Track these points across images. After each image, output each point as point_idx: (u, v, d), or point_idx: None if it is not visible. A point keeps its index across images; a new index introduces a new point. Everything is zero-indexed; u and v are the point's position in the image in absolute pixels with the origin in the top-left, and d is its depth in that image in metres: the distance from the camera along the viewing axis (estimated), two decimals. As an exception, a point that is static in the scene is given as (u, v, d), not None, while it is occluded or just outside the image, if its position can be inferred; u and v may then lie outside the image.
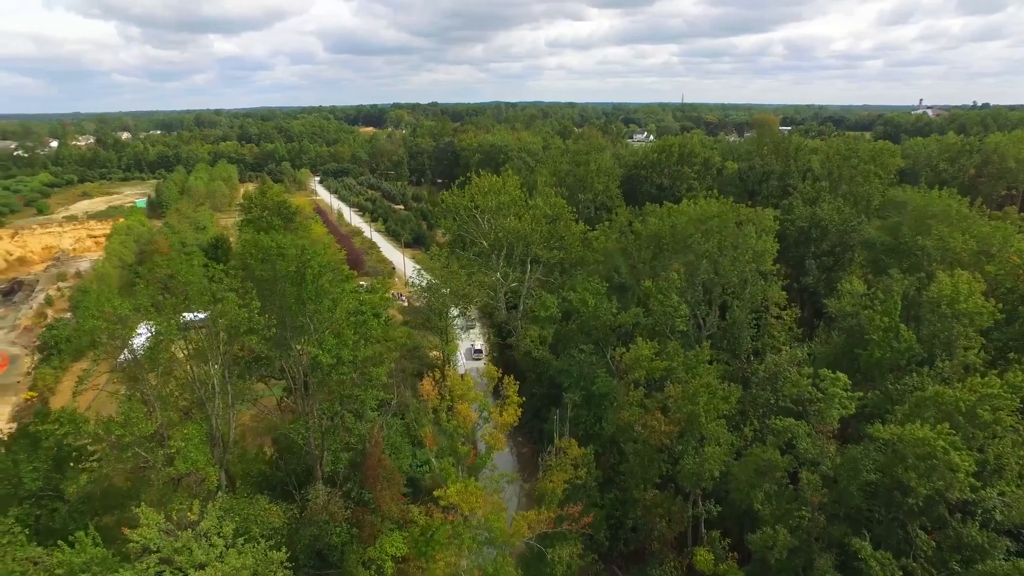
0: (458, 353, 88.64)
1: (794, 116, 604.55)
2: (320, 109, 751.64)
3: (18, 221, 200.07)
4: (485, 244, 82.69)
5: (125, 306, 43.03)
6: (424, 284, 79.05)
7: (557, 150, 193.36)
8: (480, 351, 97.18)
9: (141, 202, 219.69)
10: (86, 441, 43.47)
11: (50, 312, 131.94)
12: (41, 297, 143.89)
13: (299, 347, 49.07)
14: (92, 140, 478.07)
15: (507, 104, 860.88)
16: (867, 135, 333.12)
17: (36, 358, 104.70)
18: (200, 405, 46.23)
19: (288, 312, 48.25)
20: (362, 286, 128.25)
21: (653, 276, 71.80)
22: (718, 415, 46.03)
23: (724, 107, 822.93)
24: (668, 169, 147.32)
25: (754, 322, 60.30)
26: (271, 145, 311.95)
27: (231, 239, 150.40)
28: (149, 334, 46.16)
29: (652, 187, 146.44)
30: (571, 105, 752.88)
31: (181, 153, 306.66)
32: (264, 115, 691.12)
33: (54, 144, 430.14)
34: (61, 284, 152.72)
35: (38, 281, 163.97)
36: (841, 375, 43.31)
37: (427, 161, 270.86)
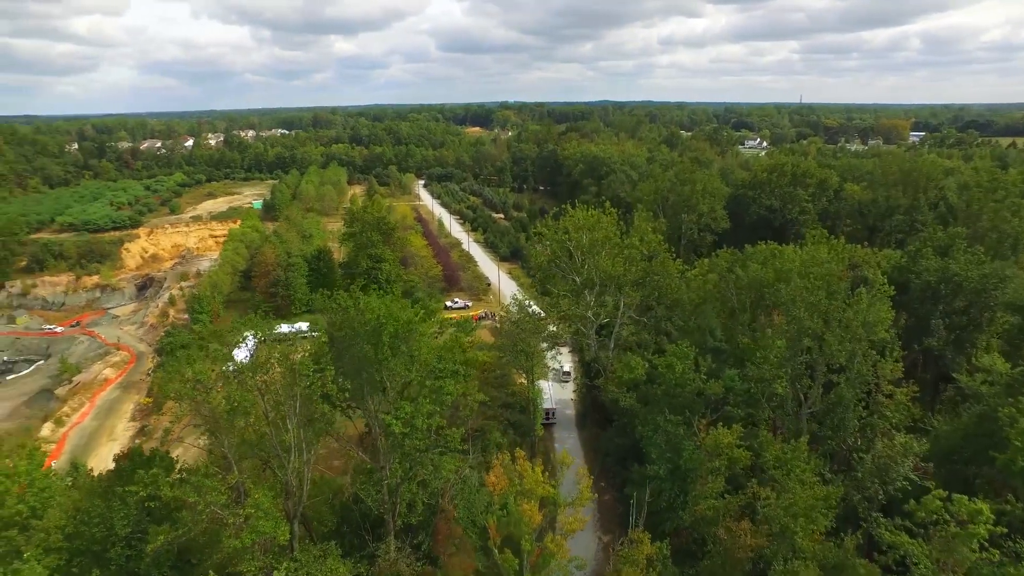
0: (546, 382, 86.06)
1: (929, 119, 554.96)
2: (430, 108, 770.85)
3: (154, 220, 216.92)
4: (577, 280, 79.59)
5: (205, 372, 43.41)
6: (513, 320, 77.20)
7: (660, 165, 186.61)
8: (569, 373, 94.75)
9: (258, 203, 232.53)
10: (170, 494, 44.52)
11: (172, 312, 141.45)
12: (166, 296, 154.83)
13: (374, 406, 48.70)
14: (222, 138, 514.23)
15: (615, 104, 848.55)
16: (1021, 142, 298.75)
17: (154, 360, 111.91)
18: (276, 456, 46.49)
19: (365, 367, 48.02)
20: (456, 302, 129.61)
21: (752, 329, 66.33)
22: (816, 531, 40.96)
23: (847, 108, 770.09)
24: (779, 190, 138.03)
25: (863, 400, 53.62)
26: (379, 148, 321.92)
27: (333, 250, 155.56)
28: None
29: (761, 208, 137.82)
30: (680, 107, 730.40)
31: (297, 154, 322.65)
32: (376, 114, 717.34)
33: (189, 143, 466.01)
34: (183, 284, 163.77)
35: (166, 278, 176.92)
36: (983, 506, 36.41)
37: (530, 167, 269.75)
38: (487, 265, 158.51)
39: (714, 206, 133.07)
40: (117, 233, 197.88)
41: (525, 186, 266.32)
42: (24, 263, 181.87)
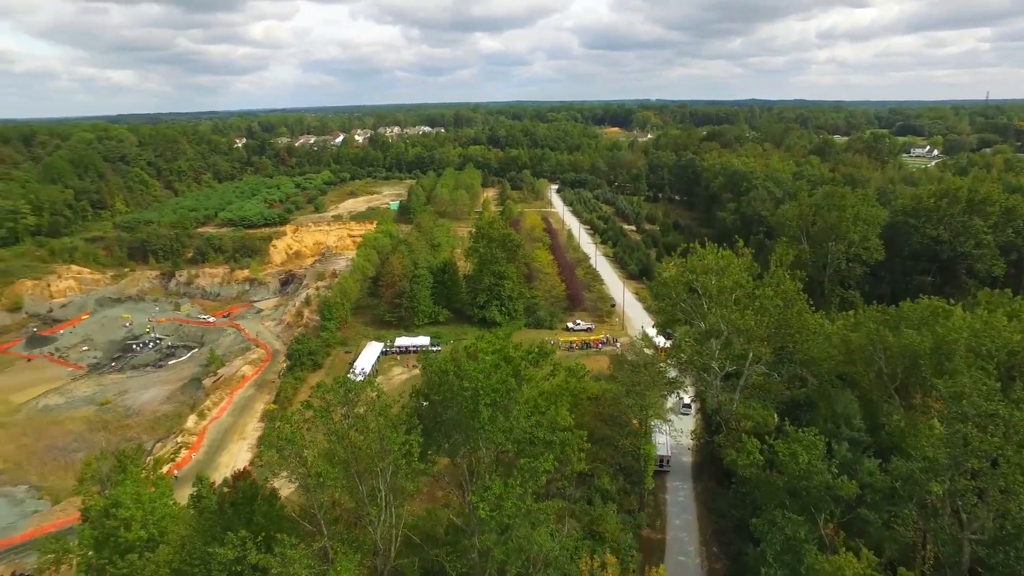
0: (662, 424, 79.54)
1: None
2: (569, 107, 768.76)
3: (300, 218, 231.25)
4: (702, 326, 72.48)
5: (298, 434, 42.35)
6: (631, 367, 71.81)
7: (808, 181, 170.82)
8: (689, 406, 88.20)
9: (394, 204, 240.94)
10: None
11: (306, 312, 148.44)
12: (303, 296, 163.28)
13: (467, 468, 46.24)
14: (369, 135, 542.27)
15: (762, 104, 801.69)
16: None
17: (285, 363, 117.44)
18: (367, 514, 45.03)
19: (460, 431, 45.84)
20: (578, 323, 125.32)
21: (903, 406, 56.66)
22: None
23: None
24: (950, 219, 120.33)
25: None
26: (515, 151, 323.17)
27: (459, 259, 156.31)
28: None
29: (924, 239, 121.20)
30: (837, 108, 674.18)
31: (435, 155, 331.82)
32: (516, 111, 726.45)
33: (340, 139, 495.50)
34: (319, 284, 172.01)
35: (305, 276, 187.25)
36: None
37: (667, 176, 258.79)
38: (613, 283, 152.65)
39: (867, 234, 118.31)
40: (267, 230, 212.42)
41: (660, 195, 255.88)
42: (190, 255, 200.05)
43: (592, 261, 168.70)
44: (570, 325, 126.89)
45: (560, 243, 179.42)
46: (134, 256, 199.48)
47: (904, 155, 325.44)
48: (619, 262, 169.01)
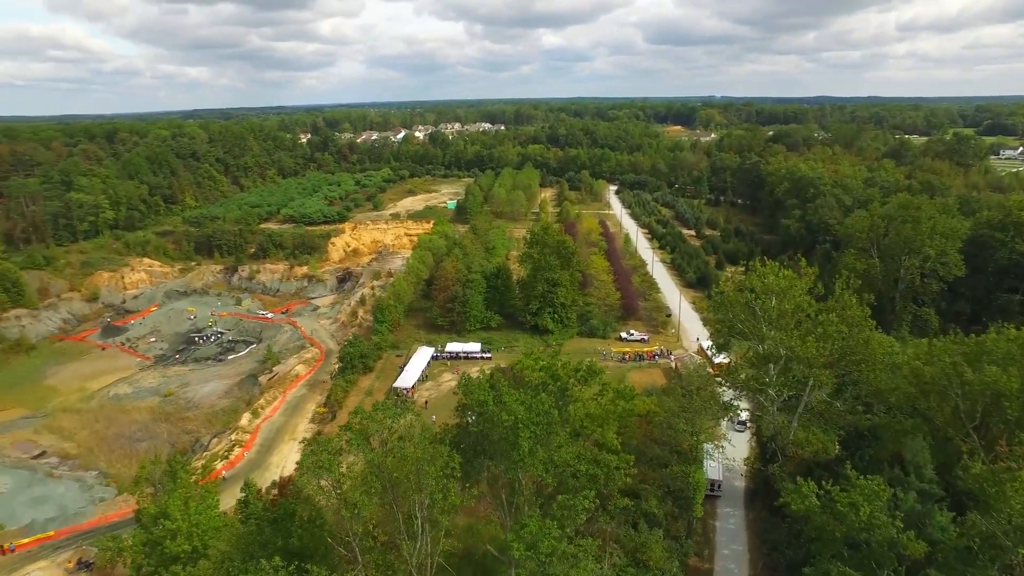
0: (713, 447, 75.88)
1: None
2: (631, 104, 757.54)
3: (359, 215, 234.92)
4: (760, 349, 68.64)
5: (333, 467, 41.63)
6: (683, 391, 68.87)
7: (880, 189, 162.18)
8: (744, 423, 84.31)
9: (451, 203, 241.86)
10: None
11: (360, 312, 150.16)
12: (358, 295, 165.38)
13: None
14: (430, 131, 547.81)
15: (834, 102, 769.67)
16: None
17: (337, 365, 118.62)
18: (403, 541, 44.12)
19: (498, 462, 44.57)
20: (632, 334, 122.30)
21: (986, 451, 51.82)
22: None
23: None
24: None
25: None
26: (574, 151, 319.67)
27: (513, 261, 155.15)
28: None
29: (1013, 255, 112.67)
30: (915, 106, 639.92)
31: (494, 153, 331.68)
32: (577, 108, 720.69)
33: (401, 135, 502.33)
34: (375, 283, 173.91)
35: (362, 274, 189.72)
36: None
37: (729, 179, 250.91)
38: (670, 291, 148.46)
39: (946, 249, 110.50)
40: (326, 227, 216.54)
41: (722, 199, 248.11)
42: (253, 250, 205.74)
43: (649, 267, 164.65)
44: (623, 335, 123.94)
45: (616, 248, 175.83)
46: (200, 250, 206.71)
47: (992, 157, 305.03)
48: (677, 269, 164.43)
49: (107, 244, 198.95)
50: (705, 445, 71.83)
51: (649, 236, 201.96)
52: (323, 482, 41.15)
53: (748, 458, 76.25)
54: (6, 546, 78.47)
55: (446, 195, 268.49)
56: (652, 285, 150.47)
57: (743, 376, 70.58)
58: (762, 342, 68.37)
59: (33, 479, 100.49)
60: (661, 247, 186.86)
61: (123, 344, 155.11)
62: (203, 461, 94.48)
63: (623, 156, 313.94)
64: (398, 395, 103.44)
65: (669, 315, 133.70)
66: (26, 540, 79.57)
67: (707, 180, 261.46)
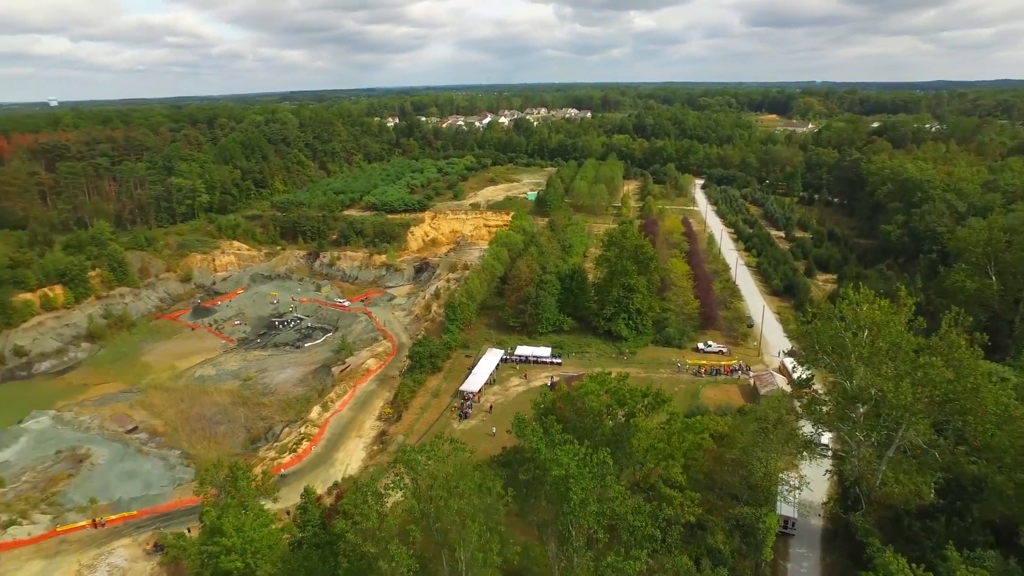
0: (789, 476, 70.29)
1: None
2: (724, 91, 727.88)
3: (439, 204, 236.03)
4: (847, 386, 62.40)
5: (372, 514, 40.28)
6: (761, 425, 63.76)
7: (1003, 195, 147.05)
8: (827, 447, 77.95)
9: (532, 195, 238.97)
10: None
11: (434, 306, 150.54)
12: (432, 288, 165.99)
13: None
14: (515, 116, 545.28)
15: (953, 87, 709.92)
16: None
17: (407, 362, 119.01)
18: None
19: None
20: (710, 345, 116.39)
21: None
22: None
23: None
24: None
25: None
26: (661, 142, 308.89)
27: (589, 260, 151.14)
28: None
29: None
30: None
31: (578, 143, 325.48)
32: (667, 95, 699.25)
33: (487, 120, 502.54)
34: (450, 275, 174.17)
35: (439, 265, 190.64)
36: None
37: (825, 176, 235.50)
38: (753, 298, 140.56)
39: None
40: (406, 215, 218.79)
41: (816, 197, 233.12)
42: (335, 236, 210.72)
43: (732, 272, 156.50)
44: (700, 346, 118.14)
45: (698, 249, 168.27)
46: (285, 235, 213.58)
47: None
48: (762, 274, 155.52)
49: (202, 227, 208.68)
50: (781, 475, 66.83)
51: (735, 237, 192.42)
52: (364, 526, 39.96)
53: (828, 502, 70.17)
54: (97, 520, 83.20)
55: (527, 185, 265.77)
56: (734, 292, 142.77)
57: (826, 411, 64.83)
58: (850, 378, 62.34)
59: (125, 453, 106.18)
60: (747, 249, 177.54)
61: (210, 326, 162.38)
62: (272, 453, 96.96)
63: (711, 149, 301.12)
64: (464, 398, 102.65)
65: (751, 326, 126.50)
66: (114, 516, 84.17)
67: (801, 176, 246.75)
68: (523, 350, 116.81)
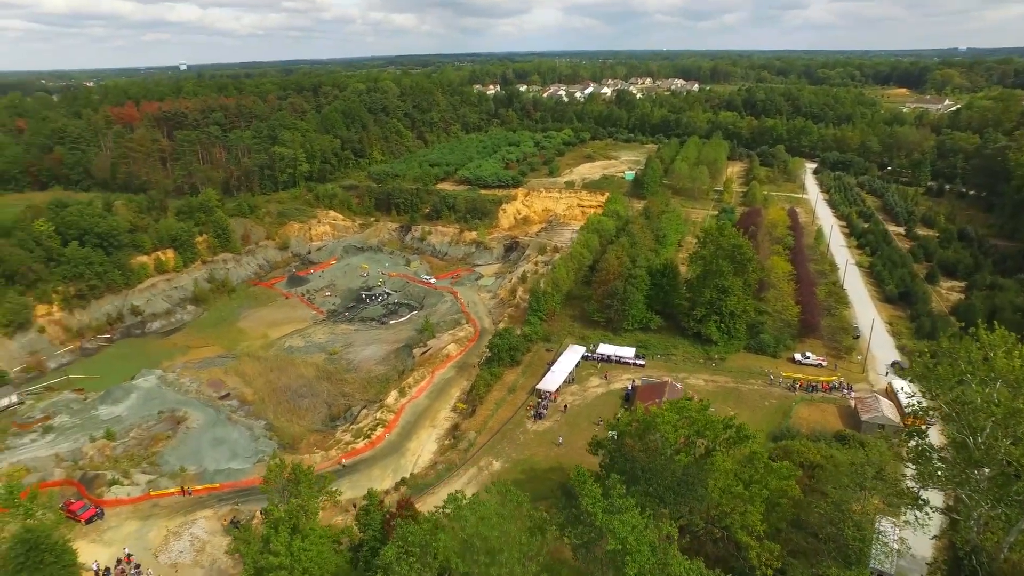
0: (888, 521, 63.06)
1: None
2: (847, 62, 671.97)
3: (533, 181, 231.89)
4: (969, 443, 54.19)
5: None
6: (858, 478, 56.97)
7: None
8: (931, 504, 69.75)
9: (629, 175, 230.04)
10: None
11: (520, 291, 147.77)
12: (519, 272, 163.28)
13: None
14: (618, 86, 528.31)
15: None
16: None
17: (485, 353, 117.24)
18: None
19: None
20: (807, 356, 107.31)
21: None
22: None
23: None
24: None
25: None
26: (771, 121, 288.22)
27: (682, 261, 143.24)
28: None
29: None
30: None
31: (682, 119, 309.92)
32: (782, 66, 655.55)
33: (589, 90, 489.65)
34: (539, 258, 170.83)
35: (528, 246, 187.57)
36: None
37: (960, 164, 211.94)
38: (862, 306, 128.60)
39: None
40: (500, 191, 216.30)
41: (948, 188, 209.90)
42: (427, 210, 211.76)
43: (840, 273, 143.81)
44: (797, 357, 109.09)
45: (803, 245, 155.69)
46: (380, 207, 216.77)
47: None
48: (875, 277, 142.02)
49: (301, 195, 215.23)
50: (876, 523, 60.10)
51: (846, 231, 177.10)
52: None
53: (933, 568, 62.51)
54: (185, 488, 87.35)
55: (625, 163, 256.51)
56: (840, 297, 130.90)
57: (938, 469, 57.07)
58: (975, 434, 54.31)
59: (216, 419, 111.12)
60: (859, 247, 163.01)
61: (303, 295, 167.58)
62: (347, 436, 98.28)
63: (827, 129, 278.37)
64: (541, 397, 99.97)
65: (856, 337, 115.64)
66: (200, 487, 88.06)
67: (930, 164, 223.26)
68: (605, 349, 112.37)
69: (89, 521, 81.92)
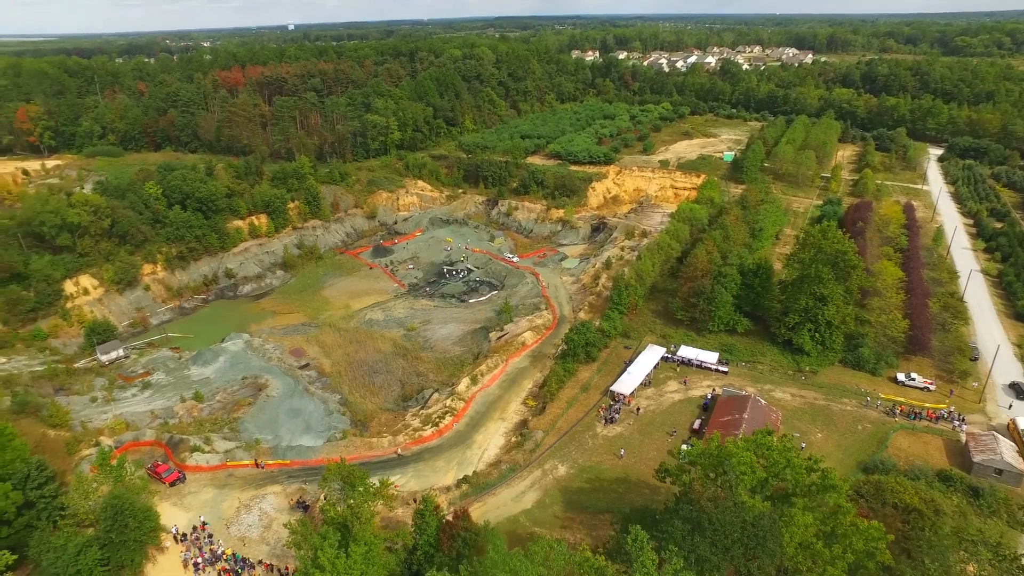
0: None
1: None
2: (995, 26, 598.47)
3: (627, 157, 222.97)
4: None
5: None
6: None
7: None
8: None
9: (728, 155, 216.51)
10: None
11: (603, 278, 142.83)
12: (605, 256, 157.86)
13: None
14: (724, 53, 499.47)
15: None
16: None
17: (561, 346, 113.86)
18: None
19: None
20: (912, 378, 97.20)
21: None
22: None
23: None
24: None
25: None
26: (893, 100, 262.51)
27: (778, 256, 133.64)
28: None
29: None
30: None
31: (790, 95, 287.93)
32: (912, 33, 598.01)
33: (692, 59, 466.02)
34: (625, 243, 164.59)
35: (616, 227, 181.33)
36: None
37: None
38: (986, 322, 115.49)
39: None
40: (591, 168, 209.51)
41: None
42: (515, 184, 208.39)
43: (960, 282, 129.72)
44: (901, 377, 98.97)
45: (918, 247, 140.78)
46: (468, 178, 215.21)
47: None
48: (1005, 289, 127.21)
49: (391, 163, 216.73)
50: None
51: (973, 232, 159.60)
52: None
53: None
54: (258, 461, 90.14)
55: (725, 142, 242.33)
56: (958, 311, 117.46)
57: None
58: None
59: (295, 389, 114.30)
60: (988, 251, 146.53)
61: (386, 266, 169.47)
62: (416, 422, 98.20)
63: (961, 111, 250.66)
64: (614, 399, 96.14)
65: (975, 359, 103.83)
66: (272, 462, 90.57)
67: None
68: (687, 352, 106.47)
69: (172, 484, 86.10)
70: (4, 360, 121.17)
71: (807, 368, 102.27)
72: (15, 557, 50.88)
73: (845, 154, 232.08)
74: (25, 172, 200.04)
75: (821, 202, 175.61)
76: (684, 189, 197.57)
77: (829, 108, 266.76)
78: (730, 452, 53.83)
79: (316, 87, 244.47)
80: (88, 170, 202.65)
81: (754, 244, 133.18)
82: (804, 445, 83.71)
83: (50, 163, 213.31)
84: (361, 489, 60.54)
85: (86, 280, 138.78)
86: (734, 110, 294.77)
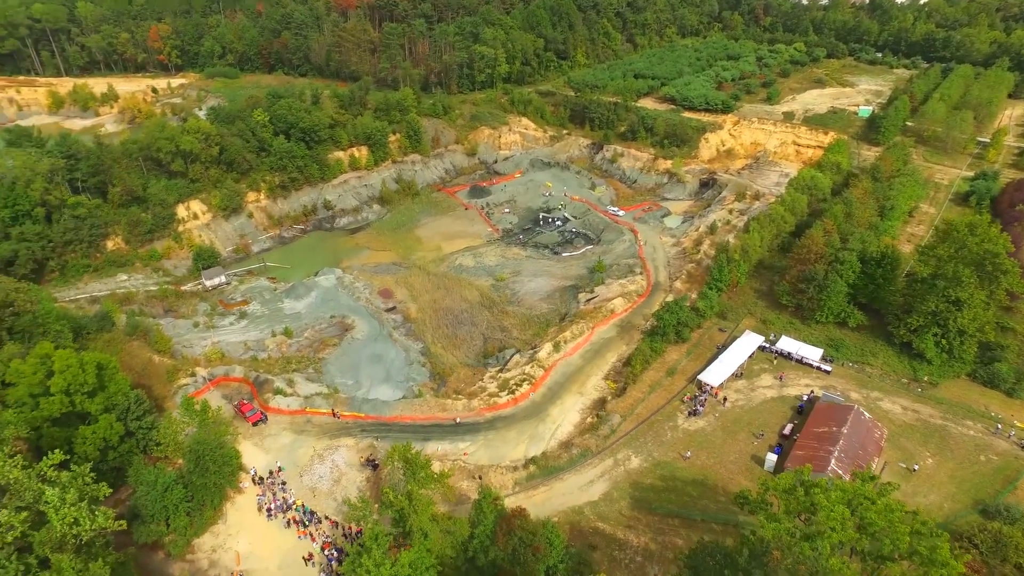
0: None
1: None
2: None
3: (747, 106, 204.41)
4: None
5: None
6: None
7: None
8: None
9: (864, 111, 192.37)
10: None
11: (706, 243, 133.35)
12: (711, 219, 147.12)
13: None
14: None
15: None
16: None
17: (649, 322, 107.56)
18: None
19: None
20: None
21: None
22: None
23: None
24: None
25: None
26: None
27: (909, 236, 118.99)
28: None
29: None
30: None
31: (952, 38, 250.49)
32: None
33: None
34: (735, 205, 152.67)
35: (727, 185, 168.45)
36: None
37: None
38: None
39: None
40: (706, 116, 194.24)
41: None
42: (623, 129, 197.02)
43: None
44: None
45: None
46: (574, 119, 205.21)
47: None
48: None
49: (496, 98, 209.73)
50: None
51: None
52: None
53: None
54: (335, 411, 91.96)
55: (863, 94, 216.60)
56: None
57: None
58: None
59: (379, 333, 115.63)
60: None
61: (482, 208, 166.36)
62: (492, 386, 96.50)
63: None
64: (701, 389, 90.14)
65: None
66: (347, 413, 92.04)
67: None
68: (787, 344, 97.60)
69: (255, 424, 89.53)
70: (125, 277, 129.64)
71: (926, 378, 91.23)
72: (110, 491, 55.14)
73: (1014, 114, 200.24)
74: (154, 90, 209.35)
75: (972, 174, 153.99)
76: (808, 147, 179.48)
77: (1003, 55, 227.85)
78: (819, 503, 47.79)
79: (426, 13, 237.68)
80: (207, 91, 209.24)
81: (882, 225, 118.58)
82: (917, 468, 75.59)
83: (175, 82, 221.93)
84: (422, 474, 59.40)
85: (196, 205, 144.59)
86: (879, 54, 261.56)
